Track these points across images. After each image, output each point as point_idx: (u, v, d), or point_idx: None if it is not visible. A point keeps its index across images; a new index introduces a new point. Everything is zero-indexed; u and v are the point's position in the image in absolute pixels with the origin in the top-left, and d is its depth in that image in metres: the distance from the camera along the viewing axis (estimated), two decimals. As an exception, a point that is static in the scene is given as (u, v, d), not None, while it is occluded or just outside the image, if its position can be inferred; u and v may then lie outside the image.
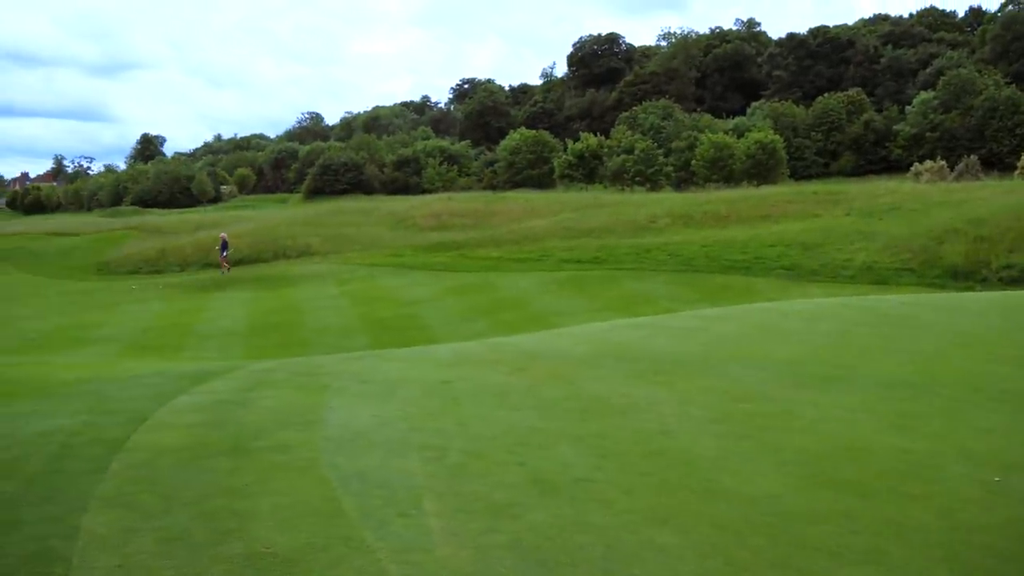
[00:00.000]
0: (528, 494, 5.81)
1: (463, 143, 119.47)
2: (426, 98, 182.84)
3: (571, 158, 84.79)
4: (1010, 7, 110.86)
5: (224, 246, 42.96)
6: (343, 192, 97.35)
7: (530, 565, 4.66)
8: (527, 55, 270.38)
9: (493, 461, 6.54)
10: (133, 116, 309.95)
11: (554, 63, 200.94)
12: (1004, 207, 40.89)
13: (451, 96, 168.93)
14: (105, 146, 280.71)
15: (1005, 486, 5.93)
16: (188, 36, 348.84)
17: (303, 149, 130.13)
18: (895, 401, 8.52)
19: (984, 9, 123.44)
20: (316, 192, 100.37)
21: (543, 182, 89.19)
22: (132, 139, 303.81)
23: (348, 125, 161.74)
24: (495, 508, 5.51)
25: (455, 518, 5.29)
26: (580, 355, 12.05)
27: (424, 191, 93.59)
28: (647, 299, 30.96)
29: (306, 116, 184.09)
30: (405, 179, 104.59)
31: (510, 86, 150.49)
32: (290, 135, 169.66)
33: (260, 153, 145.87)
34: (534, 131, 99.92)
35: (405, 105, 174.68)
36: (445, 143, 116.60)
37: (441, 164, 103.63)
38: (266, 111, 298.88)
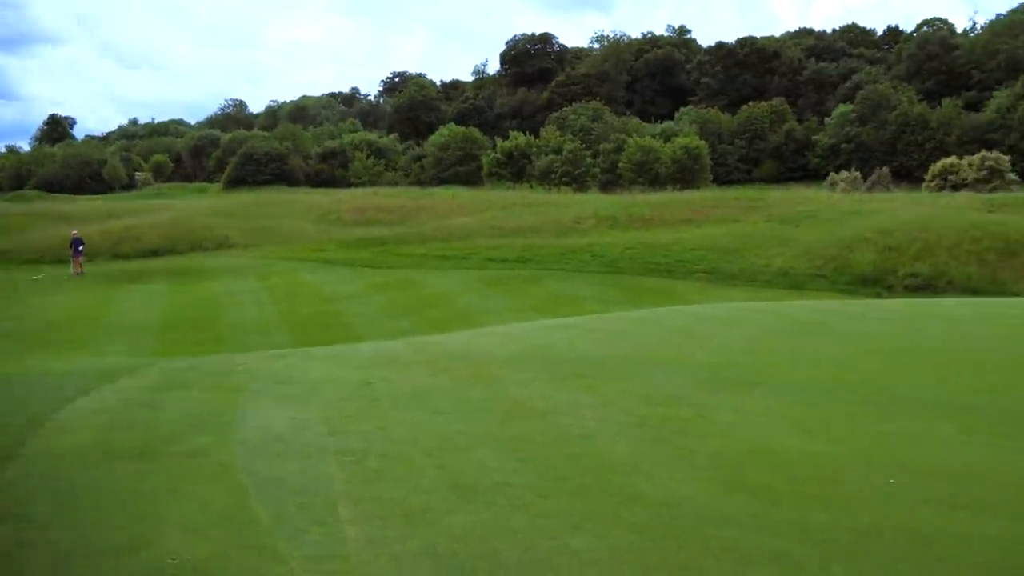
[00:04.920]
0: (446, 499, 5.84)
1: (391, 137, 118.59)
2: (355, 90, 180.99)
3: (500, 156, 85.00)
4: (924, 28, 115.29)
5: (76, 244, 40.14)
6: (266, 183, 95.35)
7: (446, 571, 4.69)
8: (454, 50, 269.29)
9: (412, 465, 6.56)
10: (37, 94, 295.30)
11: (486, 60, 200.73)
12: (911, 219, 42.56)
13: (381, 89, 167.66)
14: (5, 125, 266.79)
15: (898, 488, 6.20)
16: (98, 11, 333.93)
17: (225, 137, 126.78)
18: (804, 406, 8.81)
19: (901, 29, 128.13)
20: (237, 182, 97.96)
21: (471, 179, 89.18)
22: (37, 119, 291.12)
23: (273, 114, 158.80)
24: (412, 513, 5.53)
25: (372, 524, 5.29)
26: (504, 356, 12.12)
27: (350, 184, 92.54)
28: (572, 300, 31.26)
29: (229, 103, 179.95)
30: (331, 172, 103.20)
31: (441, 81, 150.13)
32: (211, 122, 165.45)
33: (178, 140, 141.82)
34: (464, 127, 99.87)
35: (333, 96, 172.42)
36: (373, 136, 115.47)
37: (368, 158, 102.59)
38: (184, 96, 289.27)
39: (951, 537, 5.36)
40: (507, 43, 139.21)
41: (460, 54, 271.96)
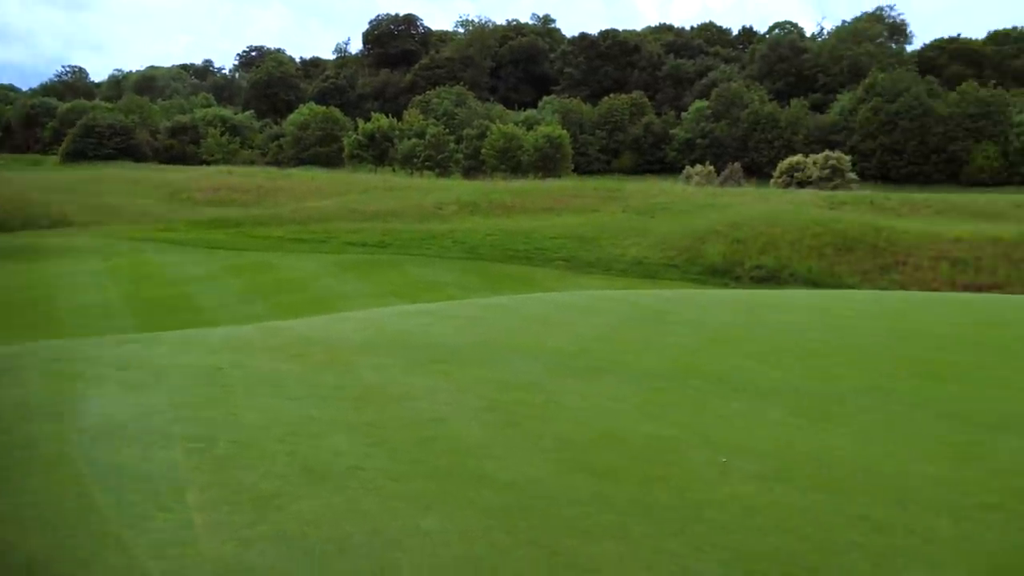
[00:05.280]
0: (296, 484, 5.83)
1: (247, 114, 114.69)
2: (208, 63, 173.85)
3: (362, 138, 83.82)
4: (776, 31, 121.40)
5: None
6: (109, 158, 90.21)
7: (296, 555, 4.70)
8: (315, 26, 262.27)
9: (262, 451, 6.49)
10: None
11: (348, 39, 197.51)
12: (759, 213, 44.97)
13: (237, 63, 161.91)
14: None
15: (730, 466, 6.64)
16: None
17: (62, 106, 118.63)
18: (650, 392, 9.23)
19: (755, 30, 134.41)
20: (76, 156, 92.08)
21: (331, 161, 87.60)
22: None
23: (117, 84, 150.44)
24: (262, 499, 5.50)
25: (219, 510, 5.23)
26: (359, 342, 12.07)
27: (203, 162, 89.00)
28: (432, 285, 31.35)
29: (66, 69, 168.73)
30: (181, 148, 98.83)
31: (301, 58, 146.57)
32: (46, 89, 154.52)
33: (8, 107, 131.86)
34: (324, 107, 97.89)
35: (184, 68, 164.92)
36: (228, 112, 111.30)
37: (223, 134, 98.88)
38: (15, 59, 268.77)
39: (771, 507, 5.80)
40: (370, 22, 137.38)
41: (321, 31, 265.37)
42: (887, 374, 10.79)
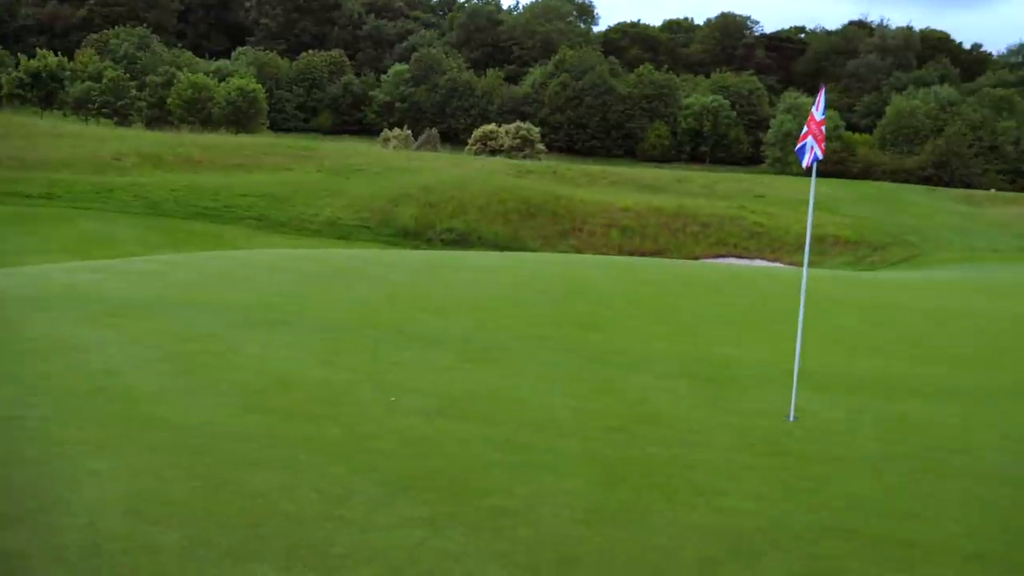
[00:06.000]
0: (-53, 434, 5.60)
1: None
2: None
3: (24, 77, 74.71)
4: (474, 1, 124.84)
5: None
6: None
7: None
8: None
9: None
10: None
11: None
12: (451, 178, 46.71)
13: None
14: None
15: (398, 404, 7.29)
16: None
17: None
18: (329, 342, 9.68)
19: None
20: None
21: (-14, 101, 77.41)
22: None
23: None
24: (-95, 449, 5.25)
25: None
26: (23, 296, 11.33)
27: None
28: (108, 241, 29.32)
29: None
30: None
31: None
32: None
33: None
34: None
35: None
36: None
37: None
38: None
39: (430, 438, 6.52)
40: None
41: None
42: (547, 325, 12.10)
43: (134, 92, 75.72)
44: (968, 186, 73.48)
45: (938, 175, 78.45)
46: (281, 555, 4.38)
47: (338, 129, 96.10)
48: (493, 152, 69.36)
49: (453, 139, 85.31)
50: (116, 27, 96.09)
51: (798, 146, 8.20)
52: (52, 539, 4.33)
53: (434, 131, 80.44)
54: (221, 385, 7.37)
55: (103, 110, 72.66)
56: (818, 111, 8.10)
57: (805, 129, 8.20)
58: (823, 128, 8.12)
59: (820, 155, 7.97)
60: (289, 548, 4.45)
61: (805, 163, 8.06)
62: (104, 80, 73.71)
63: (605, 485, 5.79)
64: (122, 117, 73.16)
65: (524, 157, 68.11)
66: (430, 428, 6.77)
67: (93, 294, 11.85)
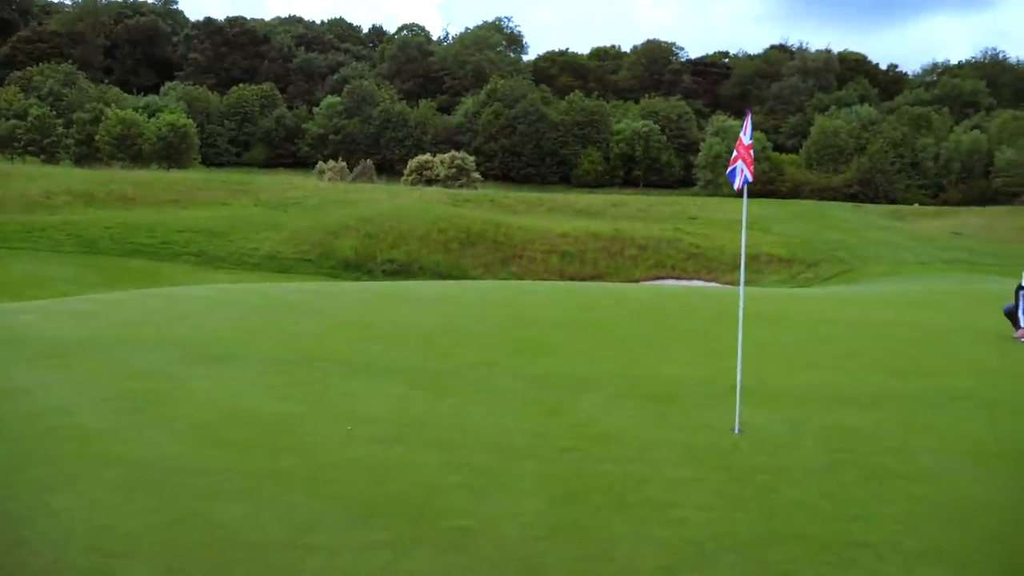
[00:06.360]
0: None
1: None
2: None
3: (-55, 116, 72.90)
4: (405, 32, 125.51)
5: None
6: None
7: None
8: None
9: None
10: None
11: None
12: (389, 209, 46.73)
13: None
14: None
15: (354, 433, 7.36)
16: None
17: None
18: (279, 375, 9.68)
19: (385, 30, 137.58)
20: None
21: (-96, 141, 75.01)
22: None
23: None
24: None
25: None
26: (-43, 340, 11.06)
27: None
28: (40, 281, 28.63)
29: None
30: None
31: None
32: None
33: None
34: None
35: None
36: None
37: None
38: None
39: (388, 464, 6.60)
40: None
41: None
42: (494, 351, 12.24)
43: (61, 129, 74.21)
44: (892, 202, 76.21)
45: (863, 192, 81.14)
46: (250, 584, 4.43)
47: (272, 162, 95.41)
48: (429, 182, 69.61)
49: (389, 170, 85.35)
50: (40, 64, 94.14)
51: (729, 170, 8.55)
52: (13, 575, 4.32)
53: (369, 162, 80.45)
54: (175, 421, 7.34)
55: (29, 148, 70.98)
56: (746, 135, 8.45)
57: (735, 153, 8.54)
58: (751, 152, 8.48)
59: (750, 178, 8.32)
60: (257, 575, 4.51)
61: (736, 186, 8.41)
62: (30, 118, 72.12)
63: (563, 503, 5.94)
64: (49, 155, 71.58)
65: (460, 186, 68.47)
66: (388, 455, 6.85)
67: (33, 335, 11.64)
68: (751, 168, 8.34)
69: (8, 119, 72.33)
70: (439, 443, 7.31)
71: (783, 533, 5.52)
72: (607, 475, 6.60)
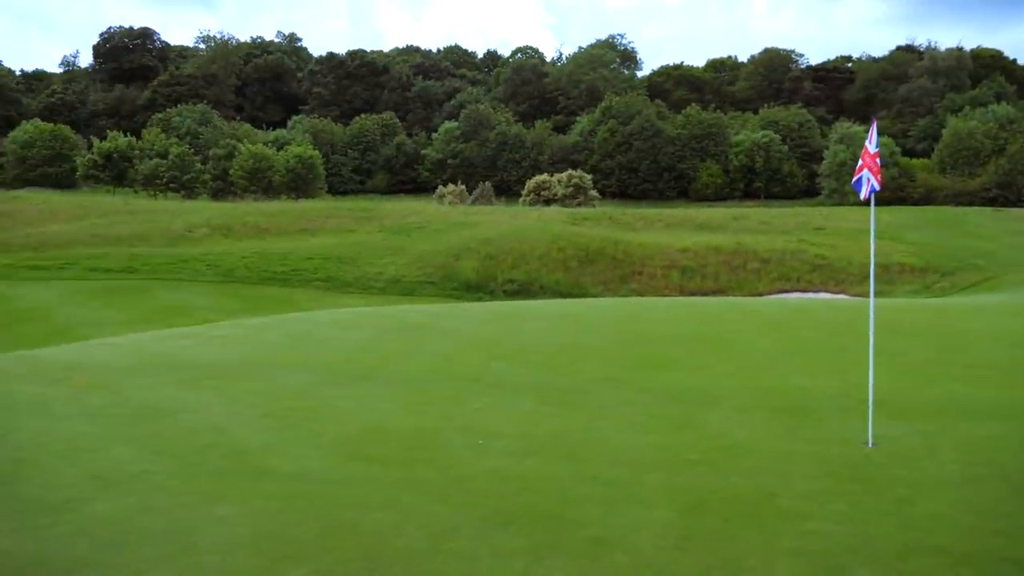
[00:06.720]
0: (86, 490, 6.12)
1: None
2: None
3: (97, 158, 78.40)
4: (519, 55, 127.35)
5: None
6: None
7: (100, 546, 5.10)
8: (35, 36, 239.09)
9: (42, 466, 6.66)
10: None
11: (77, 51, 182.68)
12: (509, 230, 47.40)
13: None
14: None
15: (486, 447, 7.66)
16: None
17: None
18: (413, 392, 10.12)
19: (499, 54, 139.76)
20: None
21: (63, 182, 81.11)
22: None
23: None
24: (52, 506, 5.77)
25: (10, 518, 5.46)
26: (124, 365, 12.02)
27: (-93, 185, 79.39)
28: (185, 310, 30.44)
29: None
30: None
31: (22, 70, 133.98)
32: None
33: None
34: (52, 124, 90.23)
35: None
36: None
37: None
38: None
39: (520, 476, 6.85)
40: (101, 35, 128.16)
41: (42, 41, 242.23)
42: (618, 367, 12.39)
43: (199, 166, 78.61)
44: (1035, 205, 71.86)
45: (1003, 195, 76.81)
46: (400, 586, 4.76)
47: (393, 189, 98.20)
48: (547, 202, 70.12)
49: (506, 191, 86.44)
50: (178, 105, 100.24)
51: (854, 179, 8.46)
52: (189, 574, 4.79)
53: (487, 185, 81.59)
54: (321, 437, 7.84)
55: (171, 185, 75.54)
56: (871, 144, 8.37)
57: (860, 162, 8.46)
58: (878, 160, 8.38)
59: (877, 187, 8.22)
60: (406, 579, 4.83)
61: (863, 195, 8.32)
62: (170, 156, 76.76)
63: (693, 514, 6.05)
64: (188, 190, 75.94)
65: (578, 205, 68.69)
66: (520, 467, 7.11)
67: (186, 359, 12.53)
68: (878, 177, 8.25)
69: (151, 158, 77.20)
70: (569, 456, 7.52)
71: (920, 546, 5.46)
72: (736, 487, 6.65)
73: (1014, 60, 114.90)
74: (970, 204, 70.06)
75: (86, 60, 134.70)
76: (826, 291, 38.00)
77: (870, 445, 7.84)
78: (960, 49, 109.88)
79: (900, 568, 5.13)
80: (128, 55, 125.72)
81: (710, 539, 5.55)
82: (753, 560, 5.21)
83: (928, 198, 77.08)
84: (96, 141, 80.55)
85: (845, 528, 5.75)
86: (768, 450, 7.76)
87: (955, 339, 15.03)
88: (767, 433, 8.40)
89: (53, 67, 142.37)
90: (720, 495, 6.46)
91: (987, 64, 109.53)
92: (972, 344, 14.48)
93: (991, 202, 73.02)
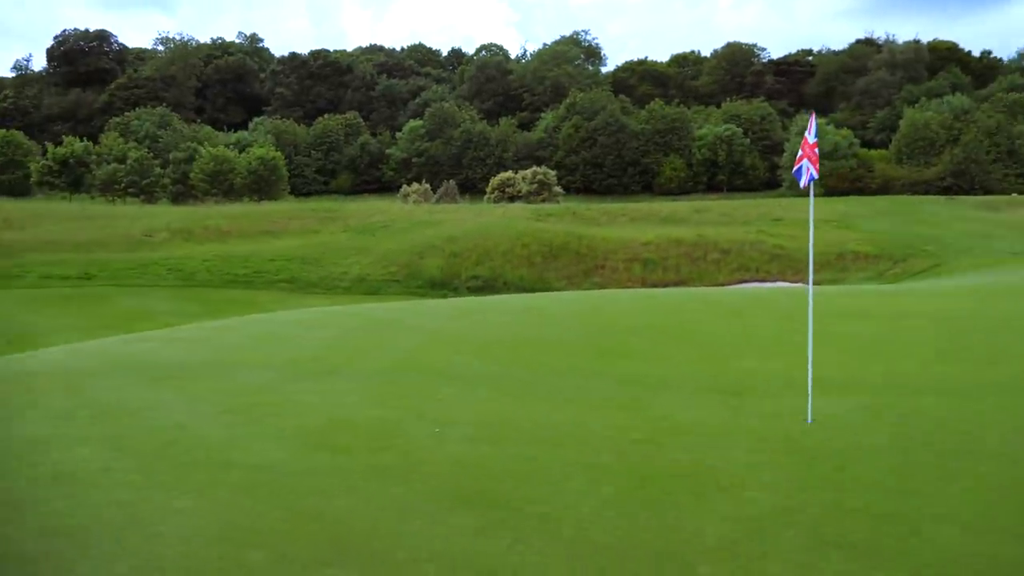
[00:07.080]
0: (47, 487, 6.30)
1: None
2: None
3: (52, 164, 77.22)
4: (483, 53, 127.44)
5: None
6: None
7: (62, 540, 5.31)
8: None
9: (3, 467, 6.83)
10: None
11: (30, 55, 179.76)
12: (473, 227, 47.68)
13: None
14: None
15: (445, 435, 7.94)
16: None
17: None
18: (378, 386, 10.37)
19: (463, 51, 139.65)
20: None
21: (17, 189, 79.67)
22: None
23: None
24: (16, 503, 5.96)
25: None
26: (85, 368, 12.13)
27: None
28: (146, 315, 30.33)
29: None
30: None
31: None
32: None
33: None
34: (4, 130, 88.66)
35: None
36: None
37: None
38: None
39: (477, 461, 7.14)
40: (55, 38, 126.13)
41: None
42: (580, 357, 12.71)
43: (158, 170, 77.79)
44: (988, 193, 73.49)
45: (957, 184, 78.50)
46: (355, 563, 5.02)
47: (358, 189, 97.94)
48: (512, 199, 70.42)
49: (471, 189, 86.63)
50: (137, 108, 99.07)
51: (794, 169, 8.87)
52: (152, 564, 5.01)
53: (452, 183, 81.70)
54: (284, 430, 8.06)
55: (129, 190, 74.68)
56: (811, 135, 8.78)
57: (800, 152, 8.87)
58: (816, 150, 8.79)
59: (815, 175, 8.63)
60: (362, 557, 5.10)
61: (803, 184, 8.73)
62: (129, 161, 75.87)
63: (637, 488, 6.38)
64: (148, 195, 75.18)
65: (543, 201, 69.07)
66: (476, 452, 7.40)
67: (148, 361, 12.65)
68: (816, 166, 8.66)
69: (110, 163, 76.26)
70: (522, 439, 7.82)
71: (845, 508, 5.84)
72: (678, 462, 7.01)
73: (969, 52, 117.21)
74: (926, 193, 71.54)
75: (40, 64, 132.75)
76: (783, 280, 38.74)
77: (809, 420, 8.23)
78: (917, 42, 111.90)
79: (824, 528, 5.50)
80: (84, 58, 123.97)
81: (650, 509, 5.88)
82: (688, 524, 5.55)
83: (885, 188, 78.55)
84: (51, 147, 79.35)
85: (777, 495, 6.11)
86: (710, 427, 8.13)
87: (901, 321, 15.56)
88: (711, 413, 8.77)
89: (4, 71, 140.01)
90: (663, 470, 6.80)
91: (943, 56, 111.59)
92: (916, 325, 15.02)
93: (946, 191, 74.61)
